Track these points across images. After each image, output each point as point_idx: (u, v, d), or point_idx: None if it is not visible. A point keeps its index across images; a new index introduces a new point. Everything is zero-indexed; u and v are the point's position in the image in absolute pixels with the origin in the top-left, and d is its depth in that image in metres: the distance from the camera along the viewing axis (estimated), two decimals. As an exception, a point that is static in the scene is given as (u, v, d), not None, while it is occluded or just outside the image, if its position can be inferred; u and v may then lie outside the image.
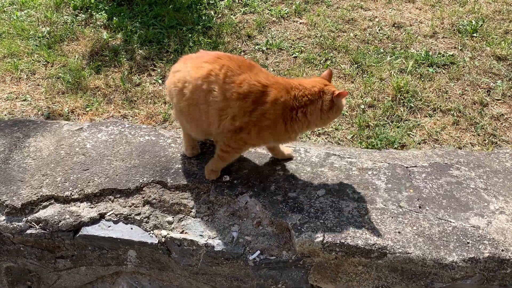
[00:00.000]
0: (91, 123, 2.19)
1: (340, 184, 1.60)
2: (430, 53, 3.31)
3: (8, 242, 1.66)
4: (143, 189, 1.57)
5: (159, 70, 3.09)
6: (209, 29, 3.56)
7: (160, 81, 2.99)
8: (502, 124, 2.68)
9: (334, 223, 1.44)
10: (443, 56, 3.29)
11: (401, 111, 2.73)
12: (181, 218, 1.51)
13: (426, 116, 2.71)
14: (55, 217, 1.59)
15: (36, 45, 3.35)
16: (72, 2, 3.79)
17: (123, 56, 3.21)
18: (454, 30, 3.64)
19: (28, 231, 1.63)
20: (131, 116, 2.70)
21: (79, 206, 1.60)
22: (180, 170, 1.62)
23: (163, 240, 1.49)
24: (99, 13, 3.68)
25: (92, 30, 3.50)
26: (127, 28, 3.47)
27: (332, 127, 2.60)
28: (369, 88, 2.92)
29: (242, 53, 3.34)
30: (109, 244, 1.56)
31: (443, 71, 3.15)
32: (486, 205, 1.51)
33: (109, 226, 1.51)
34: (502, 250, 1.37)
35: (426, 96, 2.85)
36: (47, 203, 1.63)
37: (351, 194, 1.55)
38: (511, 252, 1.36)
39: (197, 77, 1.49)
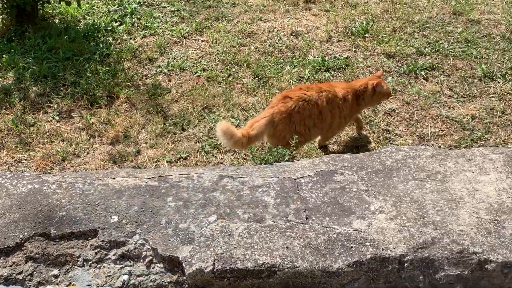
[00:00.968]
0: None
1: (231, 207, 1.61)
2: (327, 58, 3.45)
3: None
4: (25, 244, 1.48)
5: (55, 106, 2.95)
6: (108, 57, 3.47)
7: (57, 117, 2.86)
8: (394, 119, 2.86)
9: (224, 249, 1.44)
10: (338, 59, 3.44)
11: (302, 119, 2.82)
12: (67, 269, 1.44)
13: (326, 121, 2.82)
14: None
15: None
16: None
17: (16, 95, 3.03)
18: (347, 32, 3.83)
19: None
20: (25, 159, 2.56)
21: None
22: (64, 218, 1.55)
23: (48, 297, 1.42)
24: (-14, 53, 3.46)
25: (-22, 73, 3.28)
26: (18, 65, 3.29)
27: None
28: (270, 100, 2.98)
29: (144, 77, 3.29)
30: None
31: (339, 74, 3.30)
32: (367, 206, 1.58)
33: (-13, 292, 1.42)
34: (383, 249, 1.44)
35: (324, 101, 2.96)
36: None
37: (242, 215, 1.57)
38: (391, 250, 1.44)
39: None
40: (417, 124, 2.80)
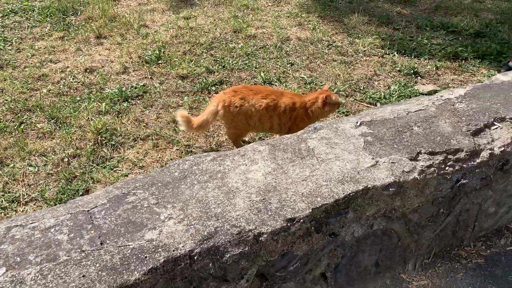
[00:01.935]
0: None
1: (22, 254, 1.58)
2: (124, 88, 3.56)
3: None
4: None
5: None
6: None
7: None
8: (193, 133, 3.11)
9: (15, 298, 1.41)
10: (135, 88, 3.58)
11: (105, 152, 2.86)
12: None
13: (129, 148, 2.91)
14: None
15: None
16: None
17: None
18: (142, 61, 4.00)
19: None
20: None
21: None
22: None
23: None
24: None
25: None
26: None
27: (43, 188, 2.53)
28: (69, 139, 2.94)
29: None
30: None
31: (138, 102, 3.43)
32: (157, 217, 1.73)
33: None
34: (174, 250, 1.60)
35: (125, 130, 3.05)
36: None
37: (34, 259, 1.56)
38: (180, 249, 1.60)
39: None
40: (213, 134, 3.10)
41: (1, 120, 3.14)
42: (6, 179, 2.60)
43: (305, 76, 3.77)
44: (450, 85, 3.75)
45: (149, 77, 3.77)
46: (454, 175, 2.08)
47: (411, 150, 2.09)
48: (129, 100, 3.43)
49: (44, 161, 2.76)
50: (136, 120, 3.18)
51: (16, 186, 2.56)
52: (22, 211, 2.46)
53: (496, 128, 2.27)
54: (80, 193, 1.96)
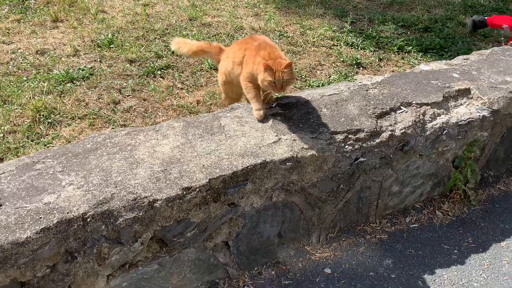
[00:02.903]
0: None
1: None
2: (71, 70, 3.63)
3: None
4: None
5: None
6: None
7: None
8: (131, 114, 3.21)
9: None
10: (83, 70, 3.66)
11: (41, 129, 2.95)
12: None
13: (65, 127, 3.00)
14: None
15: None
16: None
17: None
18: (94, 45, 4.07)
19: None
20: None
21: None
22: None
23: None
24: None
25: None
26: None
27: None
28: (8, 116, 3.02)
29: None
30: None
31: (83, 83, 3.51)
32: (59, 183, 1.84)
33: None
34: (68, 212, 1.71)
35: (64, 109, 3.14)
36: None
37: None
38: (74, 212, 1.71)
39: None
40: (151, 115, 3.20)
41: None
42: None
43: (252, 64, 3.88)
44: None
45: (99, 60, 3.85)
46: (353, 153, 2.22)
47: (314, 129, 2.22)
48: (74, 82, 3.50)
49: (-20, 137, 2.84)
50: (77, 100, 3.27)
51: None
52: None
53: (402, 112, 2.42)
54: (-5, 162, 2.05)
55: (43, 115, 3.05)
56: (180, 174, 1.93)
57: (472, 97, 2.60)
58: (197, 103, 3.36)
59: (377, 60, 4.09)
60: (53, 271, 1.74)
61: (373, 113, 2.37)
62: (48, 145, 2.81)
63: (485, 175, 2.79)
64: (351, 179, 2.26)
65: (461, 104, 2.56)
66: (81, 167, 1.94)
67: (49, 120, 3.02)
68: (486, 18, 4.55)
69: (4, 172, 1.90)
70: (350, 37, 4.48)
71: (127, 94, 3.41)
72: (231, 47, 2.64)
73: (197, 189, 1.89)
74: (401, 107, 2.44)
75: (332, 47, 4.32)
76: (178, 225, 1.92)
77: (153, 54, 3.95)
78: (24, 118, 3.04)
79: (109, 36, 4.18)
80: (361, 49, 4.30)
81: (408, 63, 4.09)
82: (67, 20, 4.52)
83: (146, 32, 4.36)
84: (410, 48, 4.30)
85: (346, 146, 2.21)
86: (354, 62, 3.99)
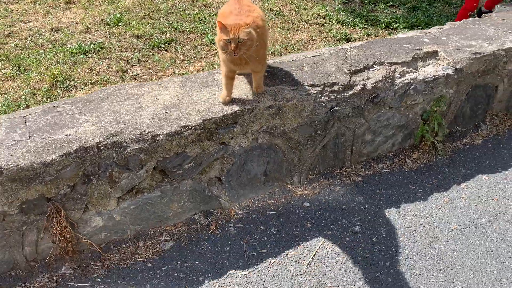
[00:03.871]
0: None
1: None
2: (83, 44, 4.00)
3: None
4: None
5: None
6: None
7: None
8: (137, 81, 3.56)
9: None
10: (94, 44, 4.02)
11: (58, 92, 3.32)
12: None
13: (79, 90, 3.37)
14: None
15: None
16: None
17: None
18: (104, 23, 4.44)
19: None
20: None
21: None
22: None
23: None
24: None
25: None
26: None
27: None
28: (29, 82, 3.40)
29: None
30: None
31: (94, 55, 3.88)
32: (77, 121, 2.20)
33: None
34: (85, 142, 2.07)
35: (78, 76, 3.51)
36: None
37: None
38: (90, 141, 2.07)
39: None
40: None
41: (-29, 66, 3.60)
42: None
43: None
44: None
45: (108, 36, 4.22)
46: (328, 103, 2.55)
47: (295, 83, 2.56)
48: (86, 54, 3.87)
49: (5, 98, 3.21)
50: (89, 69, 3.64)
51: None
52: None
53: (374, 69, 2.74)
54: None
55: (59, 81, 3.42)
56: (178, 116, 2.29)
57: (439, 59, 2.92)
58: (197, 71, 3.71)
59: (365, 36, 4.41)
60: (73, 191, 2.10)
61: (348, 70, 2.70)
62: (64, 105, 3.18)
63: (453, 130, 3.11)
64: (327, 126, 2.60)
65: (429, 64, 2.88)
66: (95, 110, 2.30)
67: (65, 85, 3.39)
68: None
69: (31, 114, 2.27)
70: (341, 15, 4.80)
71: (134, 64, 3.77)
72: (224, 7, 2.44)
73: (193, 128, 2.25)
74: (374, 65, 2.77)
75: (324, 24, 4.64)
76: (177, 158, 2.27)
77: (157, 30, 4.31)
78: (43, 83, 3.41)
79: (118, 16, 4.54)
80: (351, 26, 4.61)
81: (394, 38, 4.40)
82: (79, 2, 4.89)
83: (152, 11, 4.72)
84: (397, 25, 4.61)
85: (323, 97, 2.54)
86: (344, 37, 4.31)
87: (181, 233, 2.39)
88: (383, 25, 4.62)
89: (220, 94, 2.41)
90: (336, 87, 2.58)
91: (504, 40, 3.07)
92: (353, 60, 2.80)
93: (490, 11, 4.48)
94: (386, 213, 2.53)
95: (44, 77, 3.46)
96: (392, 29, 4.58)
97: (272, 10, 4.89)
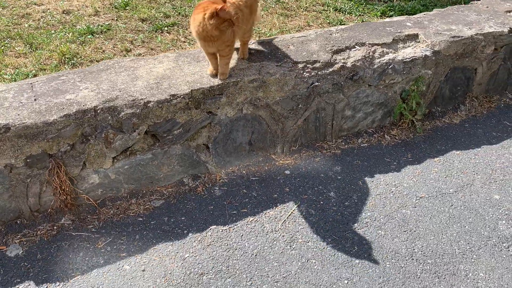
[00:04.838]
0: None
1: (-20, 103, 2.29)
2: (92, 26, 4.25)
3: None
4: None
5: None
6: None
7: None
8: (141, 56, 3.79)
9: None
10: (101, 26, 4.27)
11: (66, 68, 3.57)
12: None
13: (85, 67, 3.62)
14: None
15: None
16: None
17: None
18: (112, 7, 4.69)
19: None
20: None
21: None
22: None
23: None
24: None
25: None
26: None
27: None
28: (39, 58, 3.66)
29: None
30: None
31: (101, 36, 4.13)
32: (78, 87, 2.44)
33: None
34: (83, 105, 2.31)
35: (85, 54, 3.76)
36: None
37: (-12, 106, 2.28)
38: (88, 105, 2.31)
39: None
40: (157, 61, 3.79)
41: (-13, 43, 3.87)
42: (-15, 82, 3.33)
43: (247, 24, 4.43)
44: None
45: (115, 19, 4.46)
46: (310, 78, 2.76)
47: (279, 60, 2.77)
48: (94, 34, 4.12)
49: (17, 72, 3.48)
50: (95, 48, 3.89)
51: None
52: None
53: (355, 50, 2.93)
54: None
55: (67, 58, 3.67)
56: (169, 86, 2.52)
57: (419, 41, 3.09)
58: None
59: (360, 22, 4.57)
60: (72, 149, 2.35)
61: (330, 50, 2.89)
62: (71, 79, 3.43)
63: (433, 110, 3.29)
64: (308, 100, 2.80)
65: (409, 46, 3.06)
66: (95, 79, 2.55)
67: (73, 62, 3.64)
68: None
69: (37, 81, 2.52)
70: (339, 3, 4.97)
71: (137, 45, 4.01)
72: None
73: (182, 96, 2.47)
74: (356, 46, 2.96)
75: (321, 11, 4.81)
76: (167, 123, 2.50)
77: (162, 14, 4.54)
78: (52, 60, 3.67)
79: (125, 0, 4.78)
80: (347, 13, 4.78)
81: (388, 25, 4.56)
82: (89, -13, 5.14)
83: (157, -3, 4.94)
84: (392, 13, 4.76)
85: (304, 73, 2.75)
86: (339, 24, 4.48)
87: (170, 193, 2.63)
88: (379, 13, 4.77)
89: (208, 68, 2.63)
90: (318, 64, 2.78)
91: (484, 26, 3.23)
92: (336, 41, 3.00)
93: None
94: (360, 181, 2.73)
95: (53, 54, 3.72)
96: (387, 17, 4.73)
97: (273, -3, 5.08)
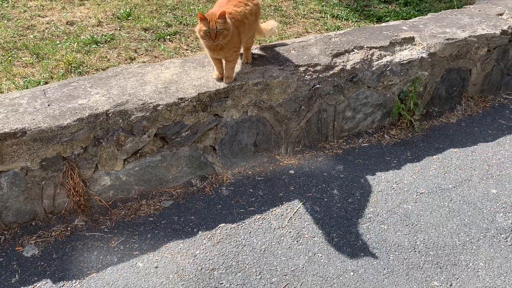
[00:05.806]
0: None
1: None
2: (96, 36, 4.36)
3: None
4: None
5: None
6: None
7: None
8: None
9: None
10: (105, 36, 4.38)
11: (72, 76, 3.67)
12: None
13: (92, 74, 3.72)
14: None
15: None
16: None
17: None
18: (114, 18, 4.80)
19: None
20: None
21: None
22: None
23: None
24: None
25: None
26: None
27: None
28: (46, 67, 3.76)
29: None
30: None
31: (105, 45, 4.23)
32: (89, 93, 2.53)
33: None
34: (95, 109, 2.41)
35: (90, 63, 3.87)
36: None
37: (3, 110, 2.37)
38: (100, 109, 2.41)
39: None
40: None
41: (-6, 54, 3.97)
42: (-5, 91, 3.42)
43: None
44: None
45: (118, 29, 4.57)
46: (311, 81, 2.86)
47: (282, 64, 2.87)
48: (98, 44, 4.23)
49: (29, 80, 3.58)
50: (100, 57, 3.99)
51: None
52: None
53: (354, 53, 3.05)
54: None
55: (73, 66, 3.78)
56: (176, 90, 2.62)
57: (415, 44, 3.21)
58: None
59: (358, 27, 4.70)
60: (85, 152, 2.44)
61: (330, 53, 3.01)
62: (78, 87, 3.53)
63: (430, 110, 3.40)
64: (310, 102, 2.91)
65: (406, 49, 3.18)
66: (105, 85, 2.64)
67: (79, 70, 3.74)
68: None
69: (50, 88, 2.62)
70: (336, 10, 5.10)
71: (141, 53, 4.12)
72: None
73: (189, 100, 2.57)
74: (354, 49, 3.07)
75: (319, 18, 4.95)
76: (175, 126, 2.60)
77: (164, 23, 4.66)
78: (58, 69, 3.77)
79: (127, 10, 4.90)
80: (344, 20, 4.91)
81: (384, 31, 4.69)
82: (92, -2, 5.26)
83: (159, 7, 5.07)
84: (388, 19, 4.90)
85: (306, 76, 2.85)
86: (337, 29, 4.61)
87: (179, 194, 2.72)
88: (375, 18, 4.91)
89: (213, 72, 2.73)
90: (318, 67, 2.89)
91: (477, 28, 3.35)
92: (335, 45, 3.11)
93: None
94: (362, 179, 2.83)
95: (60, 63, 3.82)
96: (383, 22, 4.87)
97: (271, 5, 5.21)
